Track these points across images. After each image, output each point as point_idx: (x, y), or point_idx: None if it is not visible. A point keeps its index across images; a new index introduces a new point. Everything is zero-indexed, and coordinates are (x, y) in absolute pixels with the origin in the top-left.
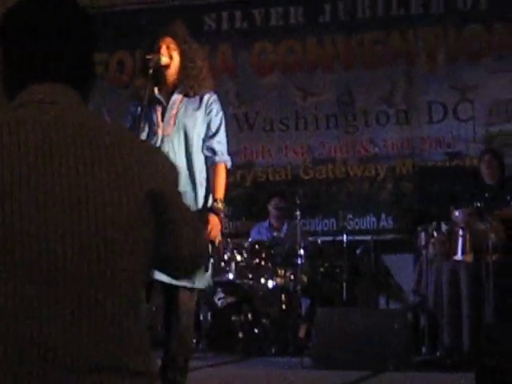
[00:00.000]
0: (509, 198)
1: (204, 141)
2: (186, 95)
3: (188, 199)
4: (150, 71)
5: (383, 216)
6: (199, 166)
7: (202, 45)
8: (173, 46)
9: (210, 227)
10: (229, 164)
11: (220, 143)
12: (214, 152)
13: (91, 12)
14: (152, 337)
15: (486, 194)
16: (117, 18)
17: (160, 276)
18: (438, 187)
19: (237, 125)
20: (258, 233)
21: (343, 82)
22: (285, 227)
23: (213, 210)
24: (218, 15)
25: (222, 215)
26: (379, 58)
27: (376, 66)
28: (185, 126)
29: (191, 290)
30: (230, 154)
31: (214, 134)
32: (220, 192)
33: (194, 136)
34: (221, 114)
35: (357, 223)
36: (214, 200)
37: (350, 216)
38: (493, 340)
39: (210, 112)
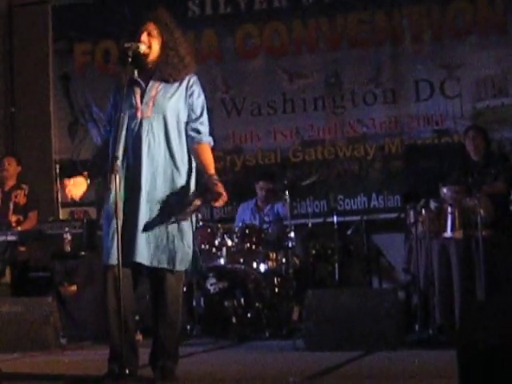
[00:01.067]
0: (493, 172)
1: (188, 123)
2: (165, 80)
3: (168, 180)
4: (129, 59)
5: (374, 195)
6: (179, 148)
7: (187, 31)
8: (154, 32)
9: (217, 194)
10: (211, 144)
11: (203, 124)
12: (198, 132)
13: (76, 2)
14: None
15: (473, 171)
16: (102, 8)
17: (142, 259)
18: (427, 165)
19: (224, 110)
20: (243, 212)
21: (329, 64)
22: (267, 208)
23: (213, 181)
24: (201, 1)
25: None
26: (365, 38)
27: (362, 46)
28: (164, 109)
29: (175, 273)
30: (218, 138)
31: (198, 117)
32: (212, 168)
33: (173, 118)
34: (202, 95)
35: (347, 204)
36: (210, 176)
37: (341, 197)
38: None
39: (191, 94)
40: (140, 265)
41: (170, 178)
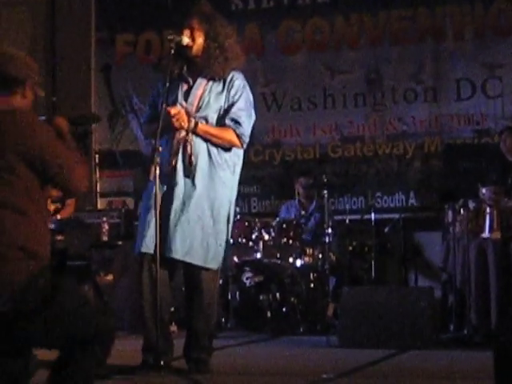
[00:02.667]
0: None
1: (225, 115)
2: (211, 78)
3: (206, 178)
4: (172, 51)
5: (411, 194)
6: (217, 148)
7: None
8: (197, 26)
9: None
10: (243, 137)
11: (240, 118)
12: (235, 122)
13: None
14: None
15: (511, 172)
16: None
17: (176, 254)
18: (466, 165)
19: (264, 104)
20: (287, 211)
21: (371, 60)
22: (313, 206)
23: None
24: None
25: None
26: (407, 35)
27: (403, 43)
28: (207, 109)
29: (208, 269)
30: (257, 132)
31: (229, 109)
32: (211, 129)
33: (214, 118)
34: (240, 92)
35: (385, 201)
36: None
37: (379, 194)
38: None
39: (230, 89)
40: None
41: (208, 175)
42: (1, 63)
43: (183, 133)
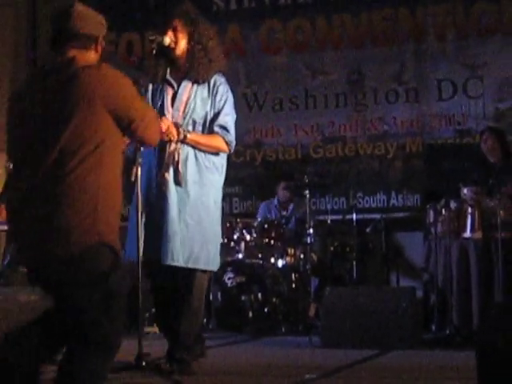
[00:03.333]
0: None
1: (212, 122)
2: (196, 82)
3: (197, 183)
4: (154, 51)
5: (393, 194)
6: (204, 153)
7: (211, 25)
8: (180, 28)
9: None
10: (231, 144)
11: (226, 124)
12: (223, 128)
13: None
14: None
15: (491, 172)
16: None
17: (177, 261)
18: (448, 165)
19: (246, 104)
20: (267, 210)
21: (352, 61)
22: (291, 206)
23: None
24: None
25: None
26: (388, 35)
27: (385, 44)
28: (194, 116)
29: (205, 271)
30: (239, 132)
31: (222, 116)
32: (200, 139)
33: (201, 123)
34: (225, 97)
35: (367, 201)
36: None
37: (360, 194)
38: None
39: (215, 95)
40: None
41: (199, 180)
42: (77, 21)
43: (173, 145)
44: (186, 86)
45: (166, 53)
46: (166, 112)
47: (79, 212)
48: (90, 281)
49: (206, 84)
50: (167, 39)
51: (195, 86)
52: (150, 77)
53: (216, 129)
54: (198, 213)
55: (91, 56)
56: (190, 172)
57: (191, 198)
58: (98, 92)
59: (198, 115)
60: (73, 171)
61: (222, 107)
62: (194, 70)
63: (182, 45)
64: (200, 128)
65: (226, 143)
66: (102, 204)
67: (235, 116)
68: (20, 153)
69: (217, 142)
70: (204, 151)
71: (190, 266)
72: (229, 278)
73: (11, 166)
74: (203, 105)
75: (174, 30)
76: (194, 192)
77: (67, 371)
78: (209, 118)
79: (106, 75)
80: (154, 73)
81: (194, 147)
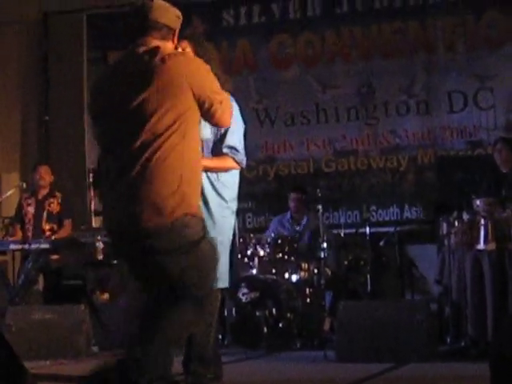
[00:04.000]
0: None
1: (220, 141)
2: None
3: (217, 204)
4: None
5: (406, 207)
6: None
7: (221, 41)
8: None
9: None
10: (243, 162)
11: (228, 147)
12: (231, 148)
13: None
14: None
15: (504, 183)
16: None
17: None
18: (460, 176)
19: (257, 119)
20: (280, 224)
21: (363, 74)
22: (304, 220)
23: None
24: (236, 11)
25: None
26: (398, 48)
27: (395, 56)
28: (201, 139)
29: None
30: (250, 148)
31: (224, 136)
32: (211, 164)
33: (211, 143)
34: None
35: (380, 215)
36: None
37: (373, 208)
38: None
39: None
40: None
41: (217, 200)
42: (158, 13)
43: None
44: None
45: None
46: None
47: (168, 186)
48: (183, 248)
49: None
50: None
51: None
52: None
53: (225, 150)
54: (222, 233)
55: (170, 46)
56: (207, 193)
57: (215, 219)
58: (186, 77)
59: (206, 134)
60: (159, 149)
61: (226, 131)
62: None
63: None
64: (210, 144)
65: (237, 162)
66: (187, 177)
67: (243, 128)
68: (110, 137)
69: (227, 163)
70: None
71: (221, 286)
72: (243, 294)
73: (24, 185)
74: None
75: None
76: (216, 212)
77: (154, 323)
78: (216, 137)
79: (192, 61)
80: None
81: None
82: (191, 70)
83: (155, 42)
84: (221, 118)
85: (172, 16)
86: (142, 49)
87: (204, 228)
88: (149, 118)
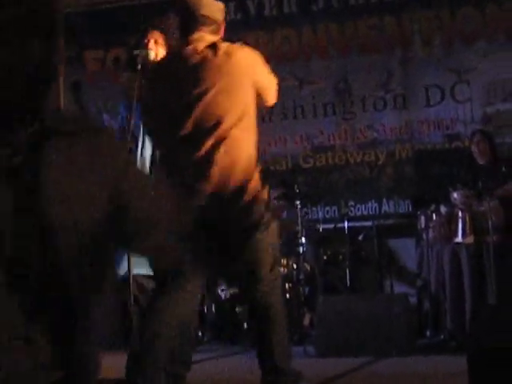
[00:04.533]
0: (501, 176)
1: None
2: None
3: None
4: (139, 67)
5: (384, 201)
6: None
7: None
8: (160, 40)
9: None
10: None
11: None
12: None
13: (87, 9)
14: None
15: (480, 175)
16: (113, 14)
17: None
18: (438, 170)
19: None
20: None
21: (339, 69)
22: (283, 215)
23: None
24: None
25: None
26: (374, 43)
27: (371, 51)
28: None
29: None
30: None
31: None
32: None
33: None
34: None
35: (358, 209)
36: None
37: (352, 202)
38: (491, 322)
39: None
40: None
41: None
42: (207, 8)
43: None
44: None
45: (149, 67)
46: None
47: (243, 170)
48: (258, 226)
49: None
50: (152, 53)
51: None
52: (136, 94)
53: None
54: None
55: (219, 39)
56: None
57: None
58: (249, 67)
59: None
60: (229, 131)
61: None
62: None
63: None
64: None
65: None
66: (254, 160)
67: None
68: (164, 124)
69: None
70: None
71: None
72: (222, 290)
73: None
74: None
75: (155, 43)
76: None
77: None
78: None
79: (250, 52)
80: (139, 90)
81: None
82: (252, 62)
83: (209, 37)
84: (271, 101)
85: (218, 10)
86: (201, 44)
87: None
88: (220, 112)
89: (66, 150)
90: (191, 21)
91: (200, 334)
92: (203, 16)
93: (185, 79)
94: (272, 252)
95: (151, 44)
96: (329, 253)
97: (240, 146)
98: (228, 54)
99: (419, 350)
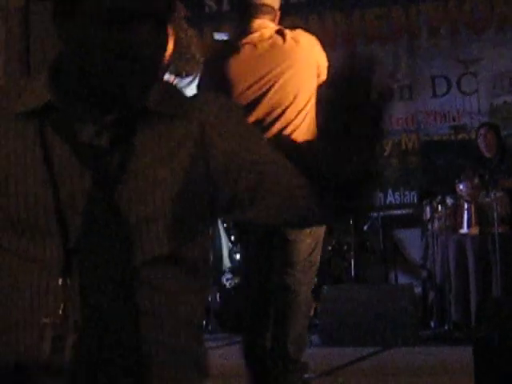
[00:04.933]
0: (506, 168)
1: None
2: (177, 75)
3: None
4: None
5: (390, 192)
6: None
7: (204, 27)
8: (169, 30)
9: None
10: None
11: None
12: None
13: None
14: None
15: (487, 167)
16: None
17: None
18: (444, 161)
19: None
20: None
21: (346, 59)
22: None
23: None
24: None
25: None
26: (381, 33)
27: (378, 42)
28: None
29: None
30: None
31: None
32: None
33: None
34: None
35: None
36: None
37: None
38: (496, 313)
39: None
40: None
41: None
42: None
43: None
44: (169, 77)
45: None
46: None
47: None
48: None
49: (191, 77)
50: None
51: (177, 77)
52: None
53: None
54: None
55: (281, 26)
56: None
57: None
58: (313, 51)
59: None
60: (297, 116)
61: None
62: (177, 63)
63: (169, 46)
64: None
65: None
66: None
67: None
68: None
69: None
70: None
71: None
72: (227, 279)
73: None
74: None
75: None
76: None
77: None
78: None
79: (309, 35)
80: None
81: None
82: (314, 44)
83: (271, 24)
84: (325, 75)
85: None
86: (267, 31)
87: None
88: (291, 98)
89: (161, 133)
90: (252, 9)
91: (205, 323)
92: (264, 5)
93: (255, 65)
94: (314, 236)
95: None
96: (334, 243)
97: (303, 131)
98: (296, 40)
99: (424, 341)
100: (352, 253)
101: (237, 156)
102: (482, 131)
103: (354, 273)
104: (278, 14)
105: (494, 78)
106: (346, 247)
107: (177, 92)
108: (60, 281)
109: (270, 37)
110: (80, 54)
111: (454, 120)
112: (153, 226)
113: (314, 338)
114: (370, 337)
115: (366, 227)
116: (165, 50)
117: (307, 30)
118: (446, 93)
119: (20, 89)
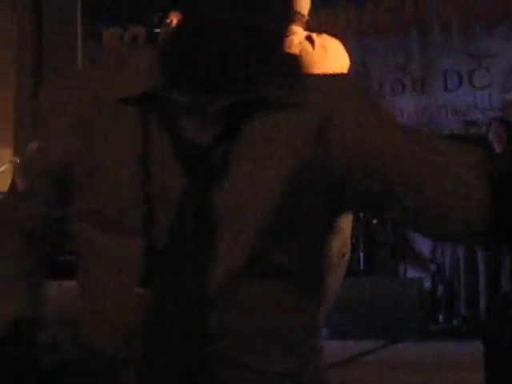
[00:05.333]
0: None
1: None
2: None
3: None
4: None
5: None
6: None
7: None
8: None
9: None
10: None
11: None
12: None
13: None
14: None
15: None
16: None
17: None
18: None
19: None
20: None
21: (357, 52)
22: None
23: None
24: None
25: None
26: (393, 26)
27: (390, 34)
28: None
29: None
30: None
31: None
32: None
33: None
34: None
35: None
36: None
37: None
38: (507, 308)
39: None
40: None
41: None
42: (298, 3)
43: None
44: None
45: None
46: None
47: None
48: None
49: None
50: None
51: None
52: None
53: None
54: None
55: (309, 32)
56: None
57: None
58: (340, 57)
59: None
60: None
61: None
62: None
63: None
64: None
65: None
66: None
67: None
68: None
69: None
70: None
71: None
72: None
73: (18, 160)
74: None
75: (178, 21)
76: None
77: None
78: None
79: (336, 42)
80: None
81: None
82: (340, 50)
83: (300, 30)
84: None
85: (306, 5)
86: (296, 38)
87: None
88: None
89: (271, 127)
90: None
91: None
92: (294, 11)
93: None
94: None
95: (174, 24)
96: None
97: None
98: (324, 48)
99: (432, 335)
100: (361, 246)
101: (364, 149)
102: (493, 126)
103: (363, 266)
104: (307, 19)
105: (507, 74)
106: (354, 240)
107: (292, 73)
108: (137, 284)
109: (300, 43)
110: (199, 14)
111: (465, 115)
112: (245, 235)
113: (322, 331)
114: (378, 330)
115: (375, 220)
116: (287, 30)
117: (319, 22)
118: (458, 87)
119: (118, 73)
